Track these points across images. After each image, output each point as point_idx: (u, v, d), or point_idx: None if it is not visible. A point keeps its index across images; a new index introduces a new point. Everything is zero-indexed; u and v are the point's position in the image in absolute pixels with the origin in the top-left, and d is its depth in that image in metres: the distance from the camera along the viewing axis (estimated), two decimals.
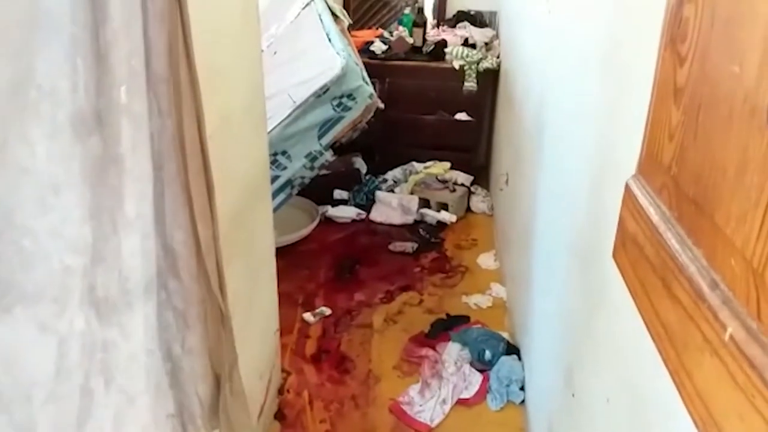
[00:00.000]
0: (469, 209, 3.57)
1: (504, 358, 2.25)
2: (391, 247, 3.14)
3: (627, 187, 0.93)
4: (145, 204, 1.04)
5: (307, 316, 2.59)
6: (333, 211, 3.42)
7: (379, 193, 3.49)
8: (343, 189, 3.55)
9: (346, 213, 3.42)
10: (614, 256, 0.98)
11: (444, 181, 3.54)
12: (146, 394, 1.16)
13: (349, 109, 2.51)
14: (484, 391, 2.18)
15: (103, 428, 1.07)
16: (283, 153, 2.48)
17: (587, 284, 1.36)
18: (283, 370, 2.26)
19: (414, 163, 3.69)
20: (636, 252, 0.86)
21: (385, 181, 3.64)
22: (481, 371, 2.25)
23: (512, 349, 2.32)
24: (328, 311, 2.62)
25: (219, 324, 1.24)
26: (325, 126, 2.52)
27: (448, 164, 3.64)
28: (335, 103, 2.49)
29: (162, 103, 1.04)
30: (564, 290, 1.59)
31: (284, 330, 2.39)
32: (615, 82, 1.23)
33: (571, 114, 1.62)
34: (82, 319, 1.01)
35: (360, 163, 3.66)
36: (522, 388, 2.15)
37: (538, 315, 1.99)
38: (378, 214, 3.43)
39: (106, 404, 1.07)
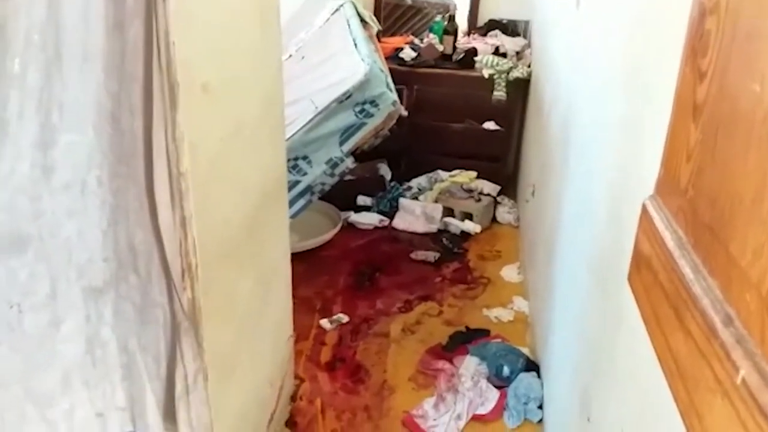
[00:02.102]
0: (494, 220, 3.50)
1: (522, 375, 2.19)
2: (412, 255, 3.10)
3: (644, 208, 0.88)
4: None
5: (324, 322, 2.56)
6: (356, 217, 3.39)
7: (402, 201, 3.45)
8: (366, 195, 3.53)
9: (369, 219, 3.39)
10: (629, 279, 0.93)
11: (469, 191, 3.49)
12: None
13: (372, 116, 2.48)
14: (500, 407, 2.12)
15: None
16: (304, 158, 2.46)
17: (606, 306, 1.30)
18: (296, 377, 2.24)
19: (440, 171, 3.64)
20: (650, 277, 0.81)
21: (410, 188, 3.60)
22: (498, 387, 2.20)
23: (532, 366, 2.25)
24: (345, 318, 2.59)
25: (177, 331, 1.23)
26: (347, 132, 2.50)
27: (474, 173, 3.59)
28: (357, 109, 2.47)
29: (133, 102, 1.06)
30: (583, 310, 1.53)
31: (300, 336, 2.38)
32: (638, 97, 1.18)
33: (596, 127, 1.56)
34: None
35: (385, 170, 3.63)
36: (540, 407, 2.09)
37: (558, 332, 1.93)
38: (401, 222, 3.39)
39: None
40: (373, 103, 2.47)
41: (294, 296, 2.10)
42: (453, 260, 3.10)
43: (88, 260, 1.15)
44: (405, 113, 2.70)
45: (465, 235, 3.32)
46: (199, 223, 1.26)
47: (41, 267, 1.10)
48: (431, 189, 3.55)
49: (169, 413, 1.32)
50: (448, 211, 3.41)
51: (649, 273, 0.81)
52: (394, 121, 2.60)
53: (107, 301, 1.19)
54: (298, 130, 2.37)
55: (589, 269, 1.49)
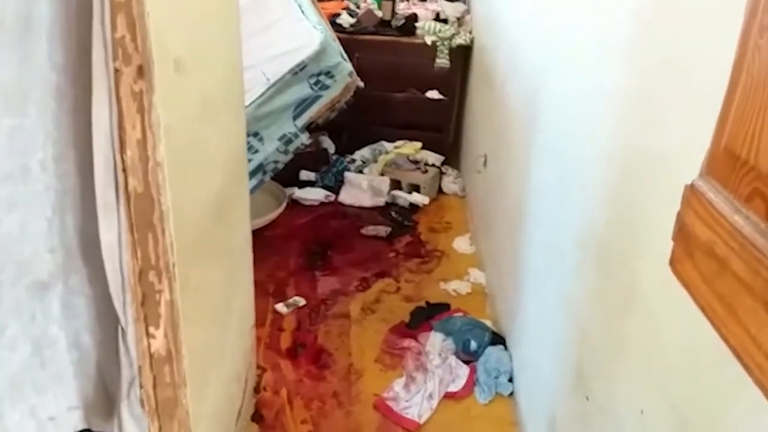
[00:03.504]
0: (440, 191, 3.46)
1: (490, 349, 2.18)
2: (363, 231, 3.01)
3: (693, 189, 0.83)
4: (11, 180, 0.94)
5: (280, 306, 2.44)
6: (300, 193, 3.26)
7: (348, 175, 3.34)
8: (309, 170, 3.38)
9: (314, 195, 3.26)
10: (673, 265, 0.88)
11: (415, 162, 3.42)
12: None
13: (327, 87, 2.34)
14: (471, 383, 2.10)
15: None
16: (255, 135, 2.29)
17: (607, 285, 1.27)
18: (258, 367, 2.12)
19: (384, 142, 3.55)
20: (713, 265, 0.76)
21: (354, 161, 3.49)
22: (466, 362, 2.17)
23: (497, 339, 2.24)
24: (302, 301, 2.48)
25: (116, 334, 1.11)
26: (302, 106, 2.34)
27: (419, 144, 3.52)
28: (312, 81, 2.32)
29: (84, 76, 0.93)
30: (571, 286, 1.50)
31: (256, 323, 2.24)
32: (643, 66, 1.13)
33: (580, 98, 1.52)
34: None
35: (328, 143, 3.50)
36: (510, 380, 2.08)
37: (532, 306, 1.91)
38: (347, 196, 3.29)
39: None
40: (328, 74, 2.32)
41: (253, 283, 1.97)
42: (404, 234, 3.04)
43: (32, 253, 1.02)
44: (362, 84, 2.58)
45: (413, 208, 3.26)
46: (174, 213, 1.12)
47: None
48: (376, 161, 3.46)
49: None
50: (395, 184, 3.34)
51: (711, 260, 0.77)
52: (351, 92, 2.48)
53: (54, 296, 1.07)
54: (249, 104, 2.20)
55: (579, 245, 1.46)
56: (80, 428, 1.19)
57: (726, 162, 0.76)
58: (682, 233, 0.86)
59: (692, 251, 0.82)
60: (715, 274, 0.76)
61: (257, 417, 1.95)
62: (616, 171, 1.24)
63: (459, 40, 3.36)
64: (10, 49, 0.86)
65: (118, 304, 1.07)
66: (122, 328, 1.09)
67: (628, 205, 1.18)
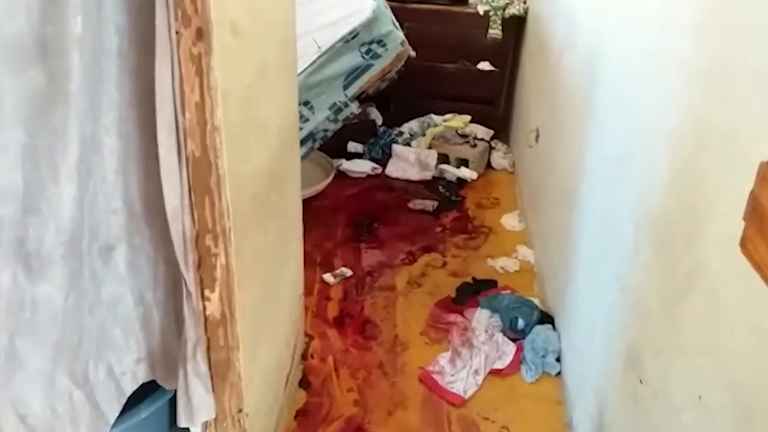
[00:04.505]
0: (489, 165, 3.41)
1: (538, 328, 2.15)
2: (410, 204, 3.00)
3: None
4: (90, 148, 0.96)
5: (327, 276, 2.46)
6: (347, 165, 3.25)
7: (396, 147, 3.31)
8: (357, 141, 3.37)
9: (361, 167, 3.25)
10: (744, 246, 0.84)
11: (464, 135, 3.37)
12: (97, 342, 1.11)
13: (379, 56, 2.31)
14: (517, 361, 2.08)
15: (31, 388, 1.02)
16: (306, 104, 2.29)
17: (667, 266, 1.23)
18: (305, 334, 2.15)
19: (432, 115, 3.51)
20: None
21: (401, 133, 3.46)
22: (513, 340, 2.15)
23: (545, 318, 2.21)
24: (348, 272, 2.49)
25: (182, 299, 1.13)
26: (352, 75, 2.32)
27: (468, 117, 3.47)
28: (364, 49, 2.29)
29: (144, 37, 0.94)
30: (628, 266, 1.46)
31: (304, 291, 2.27)
32: (715, 33, 1.07)
33: (644, 69, 1.45)
34: (8, 276, 0.94)
35: (375, 114, 3.48)
36: (558, 359, 2.06)
37: (583, 284, 1.87)
38: (394, 169, 3.27)
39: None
40: (380, 42, 2.29)
41: (302, 252, 1.99)
42: (451, 209, 3.01)
43: (99, 217, 1.06)
44: (413, 53, 2.53)
45: (461, 183, 3.23)
46: (231, 179, 1.13)
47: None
48: (423, 134, 3.42)
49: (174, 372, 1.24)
50: (443, 158, 3.30)
51: None
52: (403, 62, 2.44)
53: (120, 256, 1.11)
54: (300, 73, 2.20)
55: (638, 223, 1.41)
56: (146, 380, 1.23)
57: None
58: (755, 212, 0.82)
59: (766, 231, 0.78)
60: None
61: (305, 383, 1.99)
62: (682, 147, 1.19)
63: (513, 10, 3.28)
64: (84, 13, 0.87)
65: (183, 268, 1.09)
66: (188, 291, 1.11)
67: (693, 182, 1.13)
